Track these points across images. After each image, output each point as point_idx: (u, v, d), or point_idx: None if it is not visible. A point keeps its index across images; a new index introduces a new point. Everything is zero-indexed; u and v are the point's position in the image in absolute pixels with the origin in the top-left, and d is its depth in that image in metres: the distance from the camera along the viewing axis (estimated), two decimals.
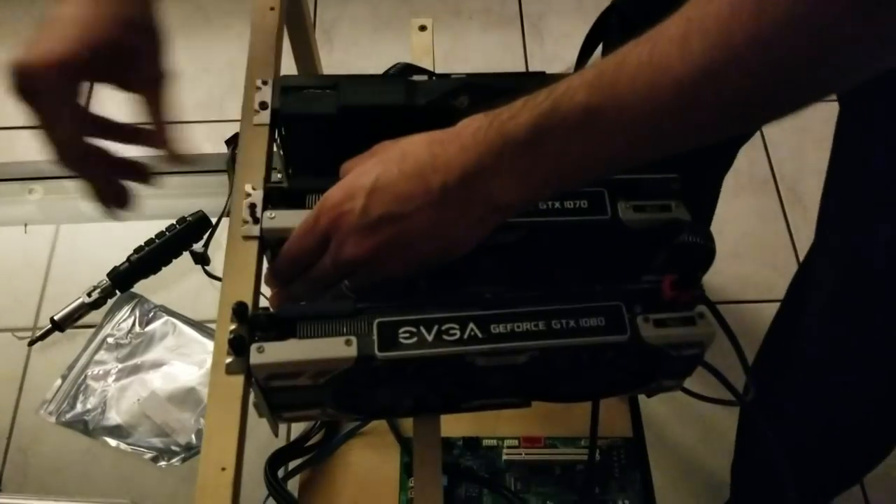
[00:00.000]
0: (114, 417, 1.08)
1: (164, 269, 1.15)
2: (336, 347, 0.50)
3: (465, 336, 0.50)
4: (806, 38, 0.37)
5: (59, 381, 1.11)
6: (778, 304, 1.31)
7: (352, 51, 1.62)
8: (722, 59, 0.39)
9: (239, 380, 0.50)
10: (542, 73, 0.63)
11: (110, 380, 1.11)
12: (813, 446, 0.84)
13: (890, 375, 0.74)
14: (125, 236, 1.27)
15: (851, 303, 0.72)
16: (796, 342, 0.83)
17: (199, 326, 1.16)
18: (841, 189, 0.70)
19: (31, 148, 1.58)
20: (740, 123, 0.47)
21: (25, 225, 1.22)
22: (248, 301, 0.52)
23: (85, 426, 1.07)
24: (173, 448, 1.06)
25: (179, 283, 1.18)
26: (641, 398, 0.81)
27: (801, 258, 1.33)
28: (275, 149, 0.62)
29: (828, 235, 0.74)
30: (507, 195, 0.48)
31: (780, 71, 0.39)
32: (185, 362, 1.12)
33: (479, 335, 0.50)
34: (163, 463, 1.05)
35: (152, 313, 1.16)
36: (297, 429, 0.84)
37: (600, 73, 0.43)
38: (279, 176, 0.64)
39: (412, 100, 0.60)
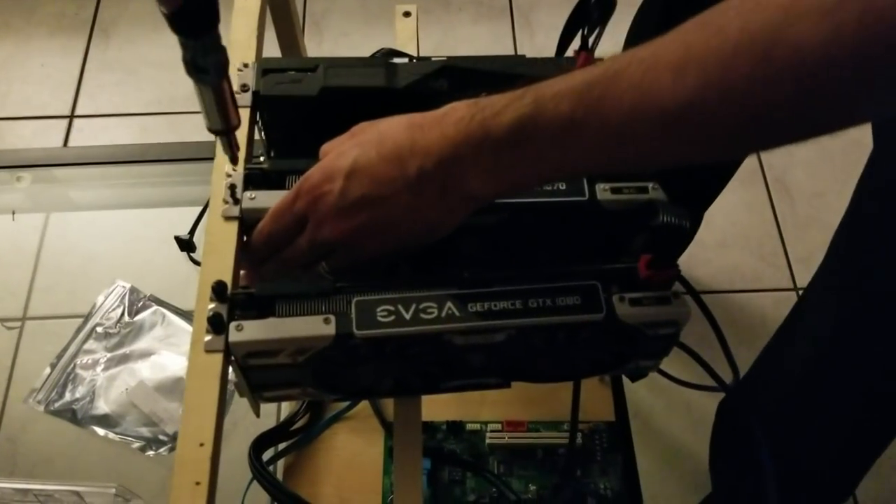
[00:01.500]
0: (102, 407, 1.08)
1: (152, 260, 1.16)
2: (314, 325, 0.50)
3: (443, 314, 0.51)
4: (809, 90, 0.36)
5: (47, 370, 1.11)
6: (765, 294, 1.32)
7: (341, 42, 1.62)
8: (715, 97, 0.38)
9: (217, 358, 0.50)
10: (522, 56, 0.63)
11: (99, 369, 1.11)
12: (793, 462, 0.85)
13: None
14: (116, 225, 1.28)
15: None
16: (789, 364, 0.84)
17: (187, 316, 1.16)
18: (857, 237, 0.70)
19: (19, 136, 1.59)
20: (721, 155, 0.47)
21: (13, 213, 1.22)
22: (229, 280, 0.53)
23: (73, 415, 1.08)
24: (161, 438, 1.06)
25: (168, 273, 1.18)
26: (626, 384, 0.81)
27: (788, 248, 1.36)
28: (256, 131, 0.63)
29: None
30: (483, 188, 0.48)
31: (772, 117, 0.38)
32: (174, 352, 1.12)
33: (457, 314, 0.51)
34: (151, 452, 1.05)
35: (141, 303, 1.17)
36: (287, 410, 0.84)
37: (590, 85, 0.42)
38: (262, 158, 0.64)
39: (392, 82, 0.60)
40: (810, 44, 0.35)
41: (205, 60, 0.45)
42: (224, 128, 0.50)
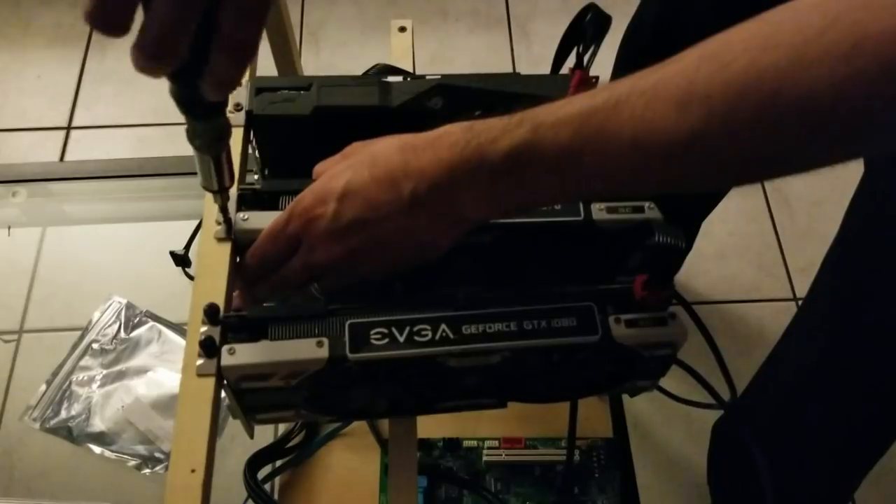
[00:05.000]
0: (98, 424, 1.07)
1: (148, 274, 1.16)
2: (307, 349, 0.50)
3: (437, 337, 0.50)
4: (815, 131, 0.36)
5: (43, 387, 1.11)
6: (764, 304, 1.32)
7: (338, 52, 1.62)
8: (718, 133, 0.38)
9: (210, 382, 0.49)
10: (517, 74, 0.63)
11: (95, 386, 1.10)
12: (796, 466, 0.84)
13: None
14: (112, 239, 1.28)
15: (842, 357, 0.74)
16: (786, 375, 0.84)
17: (184, 331, 1.15)
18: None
19: (15, 148, 1.58)
20: (720, 186, 0.48)
21: (9, 228, 1.22)
22: (221, 303, 0.52)
23: (69, 432, 1.07)
24: (157, 455, 1.05)
25: (164, 287, 1.17)
26: (626, 398, 0.81)
27: (787, 258, 1.35)
28: (250, 150, 0.63)
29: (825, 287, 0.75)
30: (477, 211, 0.48)
31: (774, 154, 0.38)
32: (170, 369, 1.12)
33: (451, 336, 0.50)
34: (147, 470, 1.04)
35: (138, 319, 1.16)
36: (283, 428, 0.83)
37: (589, 115, 0.42)
38: (255, 177, 0.64)
39: (386, 101, 0.60)
40: (821, 88, 0.34)
41: (211, 137, 0.46)
42: (218, 189, 0.51)
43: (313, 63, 1.60)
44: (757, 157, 0.38)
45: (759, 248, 1.37)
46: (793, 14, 0.36)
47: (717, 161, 0.39)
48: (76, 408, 1.09)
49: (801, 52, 0.35)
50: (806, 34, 0.35)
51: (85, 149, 1.51)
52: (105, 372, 1.11)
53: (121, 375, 1.11)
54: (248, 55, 0.39)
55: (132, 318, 1.16)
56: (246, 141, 0.61)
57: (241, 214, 0.55)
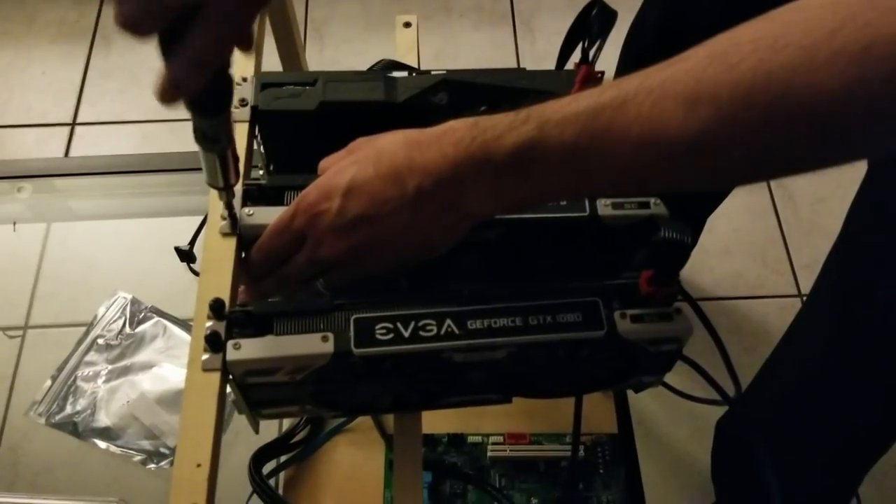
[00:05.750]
0: (103, 419, 1.08)
1: (153, 269, 1.16)
2: (313, 344, 0.50)
3: (442, 332, 0.50)
4: (824, 133, 0.36)
5: (48, 382, 1.11)
6: (769, 300, 1.32)
7: (343, 49, 1.62)
8: (725, 133, 0.38)
9: (215, 376, 0.49)
10: (522, 70, 0.63)
11: (100, 381, 1.10)
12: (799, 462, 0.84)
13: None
14: (117, 234, 1.28)
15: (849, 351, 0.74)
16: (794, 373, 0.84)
17: (189, 327, 1.15)
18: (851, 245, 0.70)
19: (21, 144, 1.57)
20: (726, 185, 0.48)
21: (14, 223, 1.22)
22: (226, 298, 0.52)
23: (74, 428, 1.07)
24: (162, 450, 1.05)
25: (169, 283, 1.17)
26: (630, 394, 0.81)
27: (792, 254, 1.35)
28: (255, 145, 0.63)
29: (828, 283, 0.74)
30: (482, 208, 0.48)
31: (783, 154, 0.38)
32: (175, 364, 1.12)
33: (456, 331, 0.50)
34: (152, 465, 1.04)
35: (143, 314, 1.16)
36: (288, 423, 0.83)
37: (596, 112, 0.41)
38: (261, 172, 0.64)
39: (391, 96, 0.60)
40: (830, 90, 0.34)
41: (216, 134, 0.46)
42: (223, 186, 0.51)
43: (317, 59, 1.60)
44: (764, 158, 0.38)
45: (764, 245, 1.37)
46: (802, 14, 0.36)
47: (724, 161, 0.39)
48: (81, 403, 1.09)
49: (810, 54, 0.34)
50: (816, 35, 0.34)
51: (90, 145, 1.51)
52: (110, 367, 1.11)
53: (126, 371, 1.11)
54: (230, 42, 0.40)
55: (137, 313, 1.16)
56: (251, 136, 0.61)
57: (246, 210, 0.55)
